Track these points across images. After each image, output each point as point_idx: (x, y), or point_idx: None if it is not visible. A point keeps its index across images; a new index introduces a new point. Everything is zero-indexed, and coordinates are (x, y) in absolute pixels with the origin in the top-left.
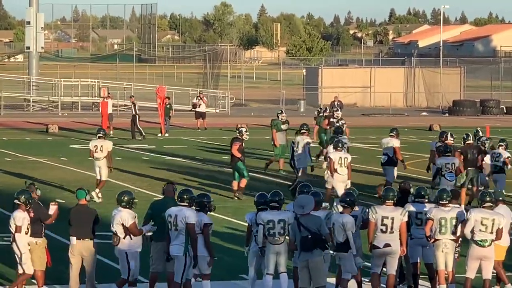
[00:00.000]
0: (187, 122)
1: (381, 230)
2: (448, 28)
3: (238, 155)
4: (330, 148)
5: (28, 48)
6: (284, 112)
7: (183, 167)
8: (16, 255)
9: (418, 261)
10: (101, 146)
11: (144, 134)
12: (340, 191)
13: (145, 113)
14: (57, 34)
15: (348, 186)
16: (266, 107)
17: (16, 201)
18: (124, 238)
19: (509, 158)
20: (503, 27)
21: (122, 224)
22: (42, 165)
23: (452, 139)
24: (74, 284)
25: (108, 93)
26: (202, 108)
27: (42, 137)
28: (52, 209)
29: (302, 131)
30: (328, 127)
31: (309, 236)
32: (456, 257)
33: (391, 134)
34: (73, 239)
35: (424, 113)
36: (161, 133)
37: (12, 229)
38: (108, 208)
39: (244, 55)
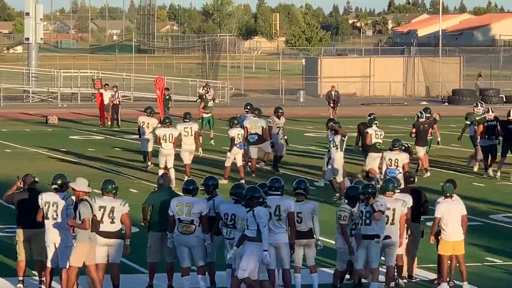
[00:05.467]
0: None
1: None
2: (447, 17)
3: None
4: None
5: (27, 39)
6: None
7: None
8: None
9: None
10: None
11: (118, 125)
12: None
13: (145, 104)
14: (56, 25)
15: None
16: (265, 97)
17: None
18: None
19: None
20: (502, 16)
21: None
22: (41, 156)
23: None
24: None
25: (106, 84)
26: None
27: (42, 128)
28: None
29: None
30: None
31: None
32: None
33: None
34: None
35: (424, 102)
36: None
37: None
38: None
39: (243, 45)
